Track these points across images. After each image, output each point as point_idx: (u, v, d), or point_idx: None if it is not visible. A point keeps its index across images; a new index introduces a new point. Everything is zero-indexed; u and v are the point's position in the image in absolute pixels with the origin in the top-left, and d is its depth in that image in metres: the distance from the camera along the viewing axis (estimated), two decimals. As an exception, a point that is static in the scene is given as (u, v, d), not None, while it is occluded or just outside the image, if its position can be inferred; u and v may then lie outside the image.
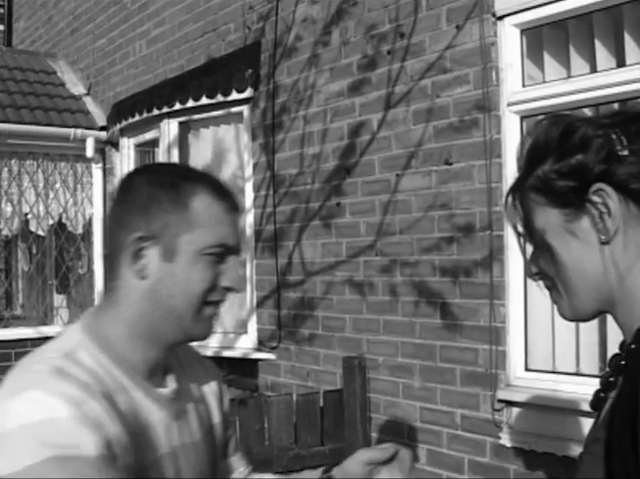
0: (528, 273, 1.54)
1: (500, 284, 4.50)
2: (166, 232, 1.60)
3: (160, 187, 1.63)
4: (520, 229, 1.50)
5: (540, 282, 1.51)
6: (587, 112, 4.35)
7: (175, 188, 1.63)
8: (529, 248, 1.51)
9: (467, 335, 4.66)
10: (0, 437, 1.38)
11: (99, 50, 8.98)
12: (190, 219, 1.61)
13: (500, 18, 4.53)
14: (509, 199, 1.50)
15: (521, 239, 1.52)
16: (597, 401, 1.44)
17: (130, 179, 1.71)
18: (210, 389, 1.92)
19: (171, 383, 1.72)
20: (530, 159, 1.47)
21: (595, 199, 1.37)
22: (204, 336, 1.69)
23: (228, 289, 1.67)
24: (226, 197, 1.69)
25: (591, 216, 1.38)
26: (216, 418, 1.88)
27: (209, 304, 1.65)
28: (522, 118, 4.50)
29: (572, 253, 1.41)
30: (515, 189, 1.49)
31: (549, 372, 4.40)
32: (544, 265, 1.47)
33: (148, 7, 7.96)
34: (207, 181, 1.69)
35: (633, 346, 1.38)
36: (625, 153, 1.36)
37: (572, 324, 4.26)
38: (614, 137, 1.38)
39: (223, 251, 1.64)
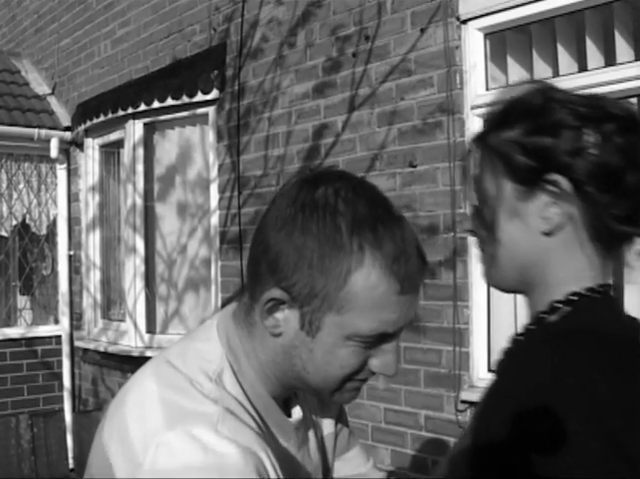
0: (462, 226, 1.55)
1: (464, 286, 4.53)
2: (311, 303, 1.27)
3: (317, 241, 1.25)
4: (471, 177, 1.51)
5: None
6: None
7: (336, 249, 1.24)
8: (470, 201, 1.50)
9: (430, 337, 4.68)
10: (154, 472, 1.19)
11: (63, 50, 8.92)
12: (343, 299, 1.25)
13: (464, 22, 4.56)
14: (468, 151, 1.50)
15: (468, 187, 1.52)
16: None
17: (293, 203, 1.29)
18: (313, 403, 1.62)
19: (297, 412, 1.48)
20: (502, 118, 1.45)
21: (549, 187, 1.36)
22: (344, 403, 1.50)
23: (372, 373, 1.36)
24: (403, 272, 1.26)
25: (541, 202, 1.38)
26: (325, 430, 1.64)
27: (353, 381, 1.35)
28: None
29: (511, 233, 1.41)
30: (478, 143, 1.47)
31: (512, 374, 4.42)
32: (480, 227, 1.47)
33: (113, 7, 7.92)
34: (384, 242, 1.26)
35: (519, 333, 1.42)
36: (593, 152, 1.35)
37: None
38: (588, 132, 1.36)
39: (378, 340, 1.30)
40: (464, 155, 1.49)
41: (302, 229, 1.25)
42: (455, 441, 1.45)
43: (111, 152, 8.00)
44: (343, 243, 1.24)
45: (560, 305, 1.38)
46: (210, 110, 6.48)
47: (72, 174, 8.70)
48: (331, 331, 1.28)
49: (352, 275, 1.24)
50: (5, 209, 8.58)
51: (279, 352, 1.34)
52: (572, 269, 1.39)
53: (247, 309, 1.38)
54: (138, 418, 1.27)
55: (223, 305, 6.22)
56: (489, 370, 4.53)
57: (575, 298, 1.38)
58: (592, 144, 1.35)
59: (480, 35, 4.56)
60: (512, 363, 1.40)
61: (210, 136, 6.51)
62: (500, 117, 1.45)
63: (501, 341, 4.70)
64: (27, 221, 8.77)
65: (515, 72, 4.53)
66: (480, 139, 1.47)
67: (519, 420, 1.25)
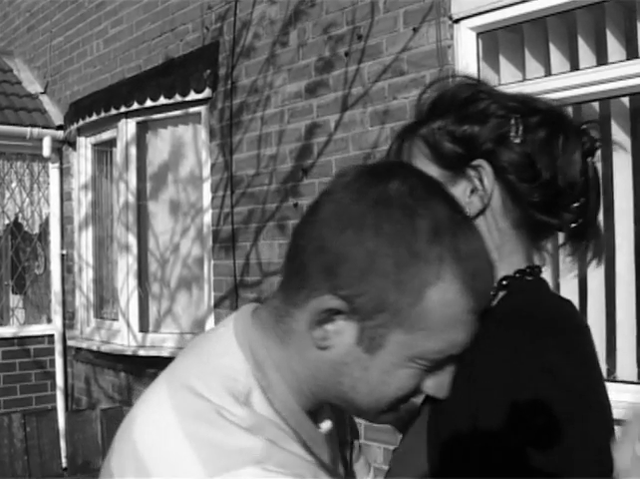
0: None
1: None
2: (376, 317, 1.07)
3: (391, 246, 1.06)
4: None
5: None
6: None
7: (414, 259, 1.06)
8: None
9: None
10: None
11: (56, 48, 8.91)
12: (416, 317, 1.07)
13: (457, 21, 4.56)
14: (397, 142, 1.52)
15: None
16: None
17: (360, 193, 1.10)
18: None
19: (326, 423, 1.27)
20: (431, 109, 1.49)
21: (472, 172, 1.40)
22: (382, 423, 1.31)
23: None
24: (480, 290, 1.11)
25: (464, 187, 1.41)
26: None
27: (401, 402, 1.17)
28: (478, 120, 4.54)
29: None
30: (407, 133, 1.51)
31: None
32: None
33: (105, 6, 7.91)
34: (465, 255, 1.08)
35: None
36: (516, 141, 1.39)
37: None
38: (513, 122, 1.40)
39: (442, 362, 1.13)
40: (393, 148, 1.51)
41: (375, 230, 1.06)
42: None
43: (103, 151, 7.99)
44: (421, 252, 1.06)
45: (493, 292, 1.39)
46: (203, 109, 6.48)
47: (64, 173, 8.69)
48: (394, 351, 1.09)
49: (429, 290, 1.06)
50: (-3, 208, 8.57)
51: (323, 368, 1.14)
52: (499, 255, 1.41)
53: (281, 315, 1.18)
54: (162, 463, 1.08)
55: (216, 305, 6.23)
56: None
57: (507, 282, 1.41)
58: (516, 134, 1.39)
59: (473, 34, 4.56)
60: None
61: (203, 135, 6.51)
62: (430, 108, 1.49)
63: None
64: (19, 220, 8.76)
65: (508, 71, 4.54)
66: (411, 130, 1.51)
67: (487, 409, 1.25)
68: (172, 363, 1.24)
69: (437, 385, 1.15)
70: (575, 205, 1.43)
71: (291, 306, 1.15)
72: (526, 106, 1.44)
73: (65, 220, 8.65)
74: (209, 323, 6.39)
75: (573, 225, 1.44)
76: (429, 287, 1.06)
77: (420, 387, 1.14)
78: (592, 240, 1.47)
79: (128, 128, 7.14)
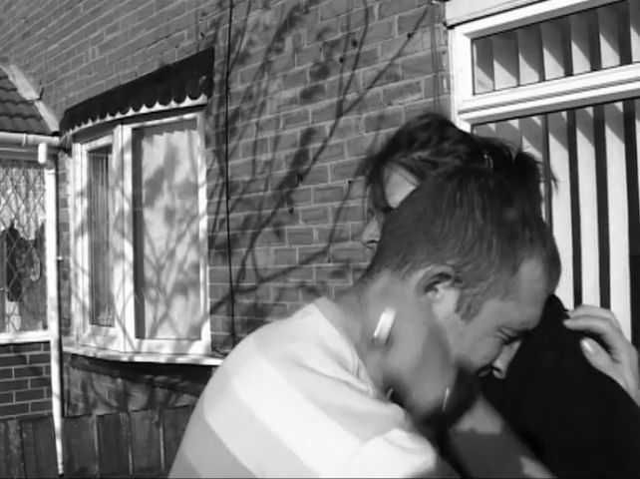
0: (364, 239, 1.63)
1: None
2: (478, 285, 1.25)
3: (497, 225, 1.25)
4: (372, 195, 1.62)
5: None
6: (536, 120, 4.42)
7: (514, 238, 1.25)
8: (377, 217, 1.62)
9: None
10: None
11: (51, 55, 8.92)
12: (511, 287, 1.25)
13: (451, 27, 4.58)
14: (375, 165, 1.61)
15: (368, 205, 1.64)
16: None
17: (461, 184, 1.29)
18: None
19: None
20: (411, 140, 1.58)
21: None
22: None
23: (496, 370, 1.34)
24: (555, 272, 1.32)
25: None
26: None
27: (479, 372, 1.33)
28: (473, 125, 4.56)
29: None
30: (384, 159, 1.60)
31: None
32: None
33: (100, 12, 7.92)
34: (547, 240, 1.30)
35: None
36: None
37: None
38: (485, 156, 1.52)
39: (519, 336, 1.31)
40: (366, 171, 1.62)
41: (482, 212, 1.25)
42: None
43: (99, 157, 8.00)
44: (518, 232, 1.25)
45: None
46: (198, 115, 6.49)
47: (60, 179, 8.69)
48: (488, 318, 1.26)
49: (522, 265, 1.25)
50: (-7, 214, 8.58)
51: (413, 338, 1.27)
52: None
53: (366, 287, 1.32)
54: (306, 441, 1.10)
55: (212, 311, 6.23)
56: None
57: None
58: (488, 165, 1.52)
59: (467, 40, 4.58)
60: None
61: (198, 141, 6.52)
62: (410, 139, 1.59)
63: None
64: (15, 226, 8.76)
65: (502, 77, 4.55)
66: (386, 156, 1.61)
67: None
68: (262, 341, 1.28)
69: (505, 361, 1.31)
70: None
71: (385, 273, 1.29)
72: (495, 142, 1.58)
73: (61, 226, 8.66)
74: (205, 329, 6.40)
75: None
76: (523, 263, 1.25)
77: (493, 363, 1.31)
78: None
79: (123, 134, 7.15)
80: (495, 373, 1.34)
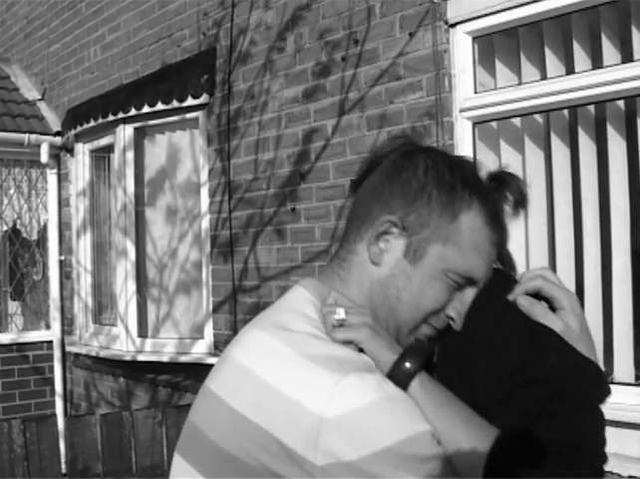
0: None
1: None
2: (422, 232, 1.45)
3: (437, 181, 1.46)
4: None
5: None
6: (538, 118, 4.43)
7: (453, 192, 1.46)
8: None
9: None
10: (345, 415, 1.28)
11: (53, 55, 8.93)
12: (451, 232, 1.45)
13: (453, 25, 4.58)
14: (353, 190, 1.70)
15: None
16: None
17: (410, 156, 1.51)
18: None
19: None
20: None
21: None
22: None
23: (450, 319, 1.50)
24: (498, 228, 1.49)
25: None
26: None
27: (429, 325, 1.50)
28: (475, 124, 4.56)
29: None
30: (360, 183, 1.66)
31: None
32: None
33: (102, 12, 7.93)
34: (487, 201, 1.49)
35: None
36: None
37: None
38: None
39: (464, 283, 1.47)
40: (350, 195, 1.72)
41: (424, 171, 1.47)
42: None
43: (101, 157, 8.00)
44: (457, 188, 1.45)
45: None
46: (200, 114, 6.50)
47: (62, 179, 8.70)
48: (433, 262, 1.45)
49: (462, 215, 1.45)
50: (-5, 214, 8.58)
51: (375, 287, 1.48)
52: None
53: (341, 259, 1.54)
54: (295, 384, 1.32)
55: (215, 310, 6.24)
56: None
57: None
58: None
59: (469, 39, 4.58)
60: None
61: (200, 140, 6.52)
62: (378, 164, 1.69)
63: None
64: (18, 226, 8.77)
65: (503, 75, 4.55)
66: (361, 182, 1.69)
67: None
68: (256, 321, 1.52)
69: (457, 310, 1.47)
70: None
71: (352, 241, 1.52)
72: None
73: (63, 225, 8.66)
74: (208, 328, 6.40)
75: None
76: (463, 212, 1.44)
77: (445, 310, 1.47)
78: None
79: (125, 134, 7.15)
80: (452, 324, 1.49)
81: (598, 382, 1.43)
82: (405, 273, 1.45)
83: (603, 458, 1.39)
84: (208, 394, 1.47)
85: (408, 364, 1.37)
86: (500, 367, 1.41)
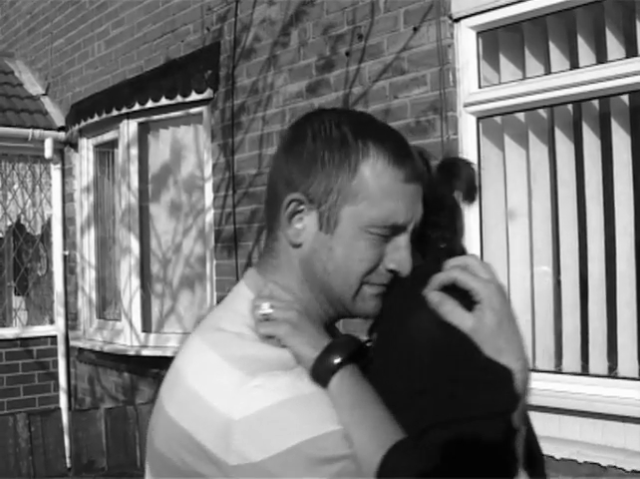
0: None
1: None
2: (327, 199, 1.40)
3: (326, 142, 1.41)
4: None
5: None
6: (542, 112, 4.42)
7: (344, 146, 1.40)
8: None
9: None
10: (253, 416, 1.29)
11: (57, 50, 8.93)
12: (356, 188, 1.39)
13: (457, 20, 4.58)
14: None
15: None
16: None
17: (298, 127, 1.48)
18: None
19: None
20: None
21: None
22: (368, 315, 1.49)
23: (392, 272, 1.44)
24: (405, 162, 1.42)
25: None
26: None
27: (370, 284, 1.44)
28: (479, 119, 4.56)
29: None
30: None
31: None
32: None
33: (106, 7, 7.93)
34: (385, 139, 1.43)
35: None
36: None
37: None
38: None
39: (391, 232, 1.41)
40: None
41: (312, 137, 1.41)
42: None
43: (105, 152, 8.01)
44: (349, 142, 1.40)
45: None
46: (204, 109, 6.50)
47: (66, 174, 8.70)
48: (348, 224, 1.40)
49: (360, 166, 1.39)
50: (0, 209, 8.59)
51: (304, 267, 1.45)
52: None
53: (269, 248, 1.51)
54: (209, 383, 1.36)
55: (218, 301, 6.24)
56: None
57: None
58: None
59: (473, 33, 4.58)
60: None
61: (204, 135, 6.52)
62: None
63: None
64: (22, 221, 8.78)
65: (508, 70, 4.55)
66: None
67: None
68: (202, 321, 1.57)
69: (396, 260, 1.42)
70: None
71: (273, 229, 1.48)
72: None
73: (67, 221, 8.67)
74: (212, 323, 6.40)
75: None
76: (360, 164, 1.39)
77: (384, 265, 1.42)
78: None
79: (129, 129, 7.15)
80: (399, 275, 1.44)
81: (495, 388, 1.30)
82: (325, 245, 1.42)
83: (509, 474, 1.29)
84: (158, 398, 1.50)
85: (331, 360, 1.36)
86: (404, 375, 1.36)
